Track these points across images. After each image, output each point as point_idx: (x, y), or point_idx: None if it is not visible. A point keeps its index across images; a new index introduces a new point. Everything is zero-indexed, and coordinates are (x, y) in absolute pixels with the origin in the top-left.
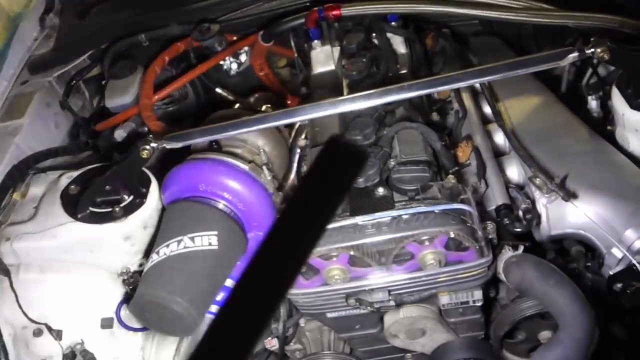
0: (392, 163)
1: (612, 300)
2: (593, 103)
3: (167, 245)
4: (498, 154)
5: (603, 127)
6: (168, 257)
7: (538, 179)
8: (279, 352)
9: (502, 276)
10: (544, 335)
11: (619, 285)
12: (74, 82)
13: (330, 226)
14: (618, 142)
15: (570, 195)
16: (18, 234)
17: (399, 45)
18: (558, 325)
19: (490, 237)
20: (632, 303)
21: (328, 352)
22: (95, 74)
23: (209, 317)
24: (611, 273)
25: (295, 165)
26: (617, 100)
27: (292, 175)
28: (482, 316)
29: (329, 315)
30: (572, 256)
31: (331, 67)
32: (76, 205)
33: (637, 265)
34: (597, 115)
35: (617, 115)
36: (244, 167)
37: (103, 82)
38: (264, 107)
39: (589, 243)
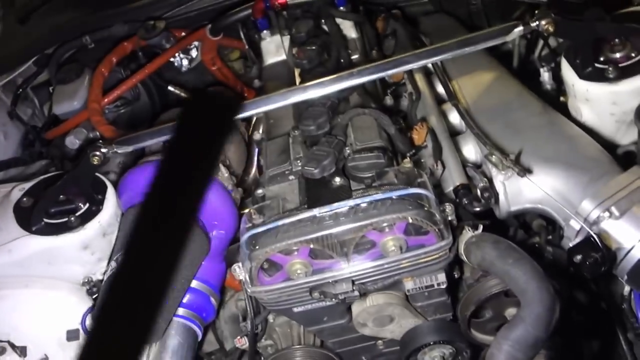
0: (347, 151)
1: (573, 272)
2: (545, 75)
3: None
4: (454, 133)
5: (556, 99)
6: None
7: (493, 157)
8: (249, 350)
9: (463, 257)
10: (510, 312)
11: (579, 257)
12: (21, 90)
13: (287, 220)
14: (571, 113)
15: (525, 171)
16: None
17: (350, 29)
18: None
19: (449, 219)
20: (592, 274)
21: (298, 346)
22: (43, 80)
23: (176, 321)
24: (570, 245)
25: (255, 159)
26: (567, 71)
27: (253, 170)
28: (449, 298)
29: (295, 309)
30: (533, 230)
31: (282, 57)
32: (30, 217)
33: (594, 236)
34: (550, 87)
35: (567, 86)
36: None
37: (51, 88)
38: None
39: (548, 216)
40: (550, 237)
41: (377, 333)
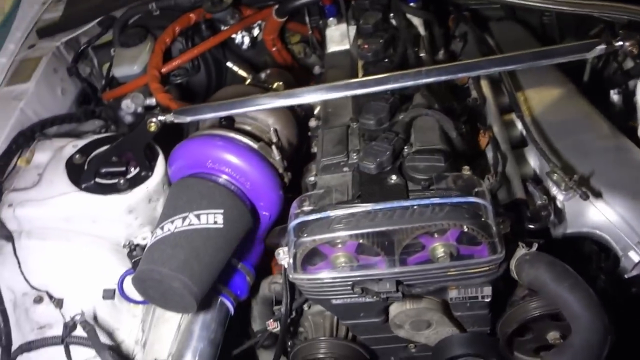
0: (407, 151)
1: (626, 304)
2: (615, 97)
3: (172, 222)
4: (515, 145)
5: (624, 122)
6: (172, 234)
7: (556, 175)
8: (280, 335)
9: (513, 273)
10: (552, 335)
11: (634, 289)
12: (83, 48)
13: (340, 212)
14: None
15: (588, 194)
16: (21, 200)
17: (418, 27)
18: (568, 327)
19: (504, 232)
20: None
21: (323, 338)
22: (105, 41)
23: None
24: (626, 276)
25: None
26: None
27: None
28: (490, 312)
29: (333, 301)
30: (585, 256)
31: (346, 46)
32: (81, 174)
33: None
34: (618, 109)
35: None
36: (254, 145)
37: (112, 50)
38: (275, 85)
39: (604, 243)
40: (602, 264)
41: (411, 336)
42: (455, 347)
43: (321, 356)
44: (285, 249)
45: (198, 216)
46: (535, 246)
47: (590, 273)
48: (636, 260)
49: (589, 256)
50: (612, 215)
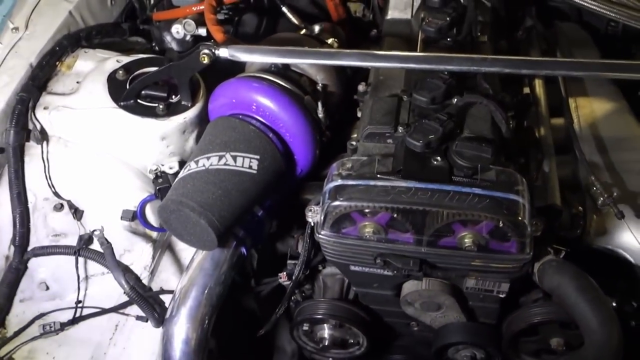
0: (455, 135)
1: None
2: None
3: (208, 158)
4: (558, 151)
5: None
6: (207, 170)
7: (594, 188)
8: (289, 290)
9: (535, 276)
10: (556, 341)
11: None
12: None
13: (381, 183)
14: None
15: (623, 214)
16: (57, 105)
17: (485, 12)
18: (573, 336)
19: (535, 235)
20: None
21: (327, 299)
22: None
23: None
24: None
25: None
26: None
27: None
28: (500, 307)
29: (352, 267)
30: (603, 272)
31: (408, 16)
32: (121, 91)
33: None
34: None
35: None
36: (302, 97)
37: None
38: (330, 41)
39: (625, 264)
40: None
41: (418, 315)
42: (459, 334)
43: (323, 317)
44: (317, 207)
45: (235, 157)
46: (562, 254)
47: (606, 290)
48: None
49: (608, 272)
50: None
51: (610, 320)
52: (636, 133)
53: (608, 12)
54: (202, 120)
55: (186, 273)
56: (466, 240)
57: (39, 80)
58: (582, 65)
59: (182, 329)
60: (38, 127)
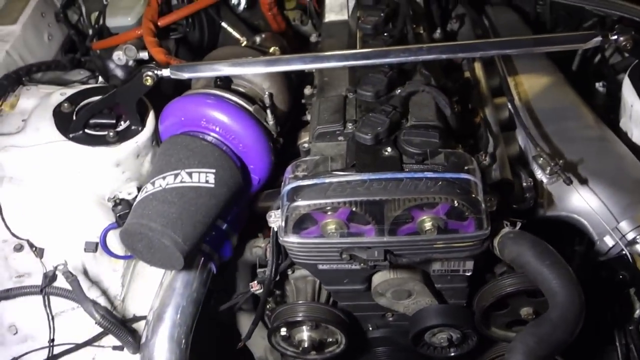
0: (402, 124)
1: (595, 286)
2: (599, 89)
3: (164, 178)
4: (503, 128)
5: (606, 114)
6: (163, 189)
7: (542, 159)
8: (262, 297)
9: (496, 250)
10: (526, 311)
11: (606, 272)
12: None
13: (336, 179)
14: (620, 132)
15: (572, 179)
16: (5, 145)
17: (417, 4)
18: (542, 303)
19: (491, 210)
20: (616, 290)
21: (302, 302)
22: None
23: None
24: (600, 259)
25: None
26: (628, 91)
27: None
28: (468, 286)
29: (320, 267)
30: (560, 238)
31: (344, 17)
32: (69, 124)
33: (628, 254)
34: (601, 102)
35: (624, 105)
36: (249, 108)
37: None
38: (272, 49)
39: (580, 228)
40: (576, 248)
41: (391, 305)
42: (434, 318)
43: (305, 318)
44: (277, 212)
45: (190, 174)
46: (519, 225)
47: (565, 255)
48: (610, 245)
49: (564, 239)
50: (592, 201)
51: (570, 281)
52: (574, 102)
53: None
54: (155, 142)
55: (157, 296)
56: (425, 224)
57: None
58: (514, 42)
59: (160, 351)
60: None
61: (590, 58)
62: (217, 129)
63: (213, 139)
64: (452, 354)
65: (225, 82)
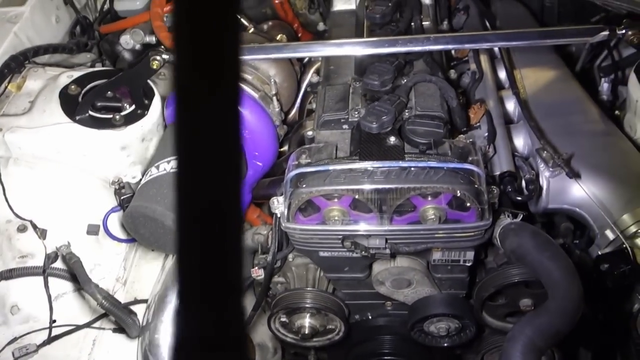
0: (407, 114)
1: (595, 279)
2: (604, 85)
3: (168, 162)
4: (507, 121)
5: (610, 110)
6: (167, 174)
7: (545, 152)
8: (263, 283)
9: (497, 241)
10: (525, 302)
11: (606, 265)
12: None
13: (339, 167)
14: (624, 128)
15: (574, 172)
16: (11, 126)
17: None
18: (540, 295)
19: (493, 201)
20: (616, 284)
21: (311, 289)
22: None
23: None
24: (600, 253)
25: (299, 100)
26: (633, 86)
27: (295, 110)
28: (468, 276)
29: (321, 254)
30: (560, 231)
31: (352, 6)
32: (75, 106)
33: (628, 248)
34: (606, 97)
35: (630, 100)
36: (254, 94)
37: None
38: (278, 37)
39: (580, 221)
40: (576, 241)
41: (391, 294)
42: (433, 307)
43: (307, 305)
44: (281, 198)
45: None
46: (520, 216)
47: (565, 247)
48: (611, 238)
49: (564, 233)
50: (594, 194)
51: (569, 273)
52: (579, 97)
53: None
54: (160, 126)
55: (160, 280)
56: (427, 213)
57: None
58: (521, 35)
59: (160, 335)
60: None
61: (596, 53)
62: None
63: None
64: (448, 344)
65: None
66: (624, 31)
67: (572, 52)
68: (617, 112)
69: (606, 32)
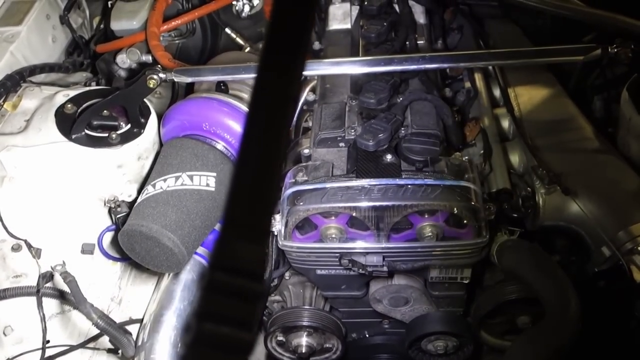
0: (403, 132)
1: (592, 296)
2: (598, 103)
3: (165, 180)
4: (502, 138)
5: (604, 128)
6: (164, 192)
7: (540, 169)
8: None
9: (494, 258)
10: (522, 319)
11: (603, 282)
12: None
13: (336, 184)
14: (618, 145)
15: (569, 190)
16: (6, 145)
17: (419, 15)
18: (538, 312)
19: (489, 218)
20: (613, 300)
21: (308, 307)
22: None
23: (193, 258)
24: (596, 270)
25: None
26: (626, 104)
27: (291, 128)
28: (465, 294)
29: (318, 272)
30: (556, 248)
31: (347, 25)
32: (71, 125)
33: (625, 264)
34: (599, 115)
35: (623, 118)
36: None
37: (110, 3)
38: None
39: (577, 238)
40: (573, 258)
41: (388, 312)
42: (431, 325)
43: (304, 324)
44: (277, 216)
45: (191, 177)
46: (517, 234)
47: (562, 264)
48: (608, 255)
49: (560, 250)
50: (590, 211)
51: (566, 290)
52: (573, 114)
53: (534, 4)
54: (156, 144)
55: (155, 298)
56: (425, 231)
57: None
58: (515, 53)
59: (156, 355)
60: None
61: (589, 71)
62: (219, 133)
63: (214, 143)
64: None
65: (225, 87)
66: (616, 50)
67: (566, 70)
68: (610, 129)
69: (598, 51)
